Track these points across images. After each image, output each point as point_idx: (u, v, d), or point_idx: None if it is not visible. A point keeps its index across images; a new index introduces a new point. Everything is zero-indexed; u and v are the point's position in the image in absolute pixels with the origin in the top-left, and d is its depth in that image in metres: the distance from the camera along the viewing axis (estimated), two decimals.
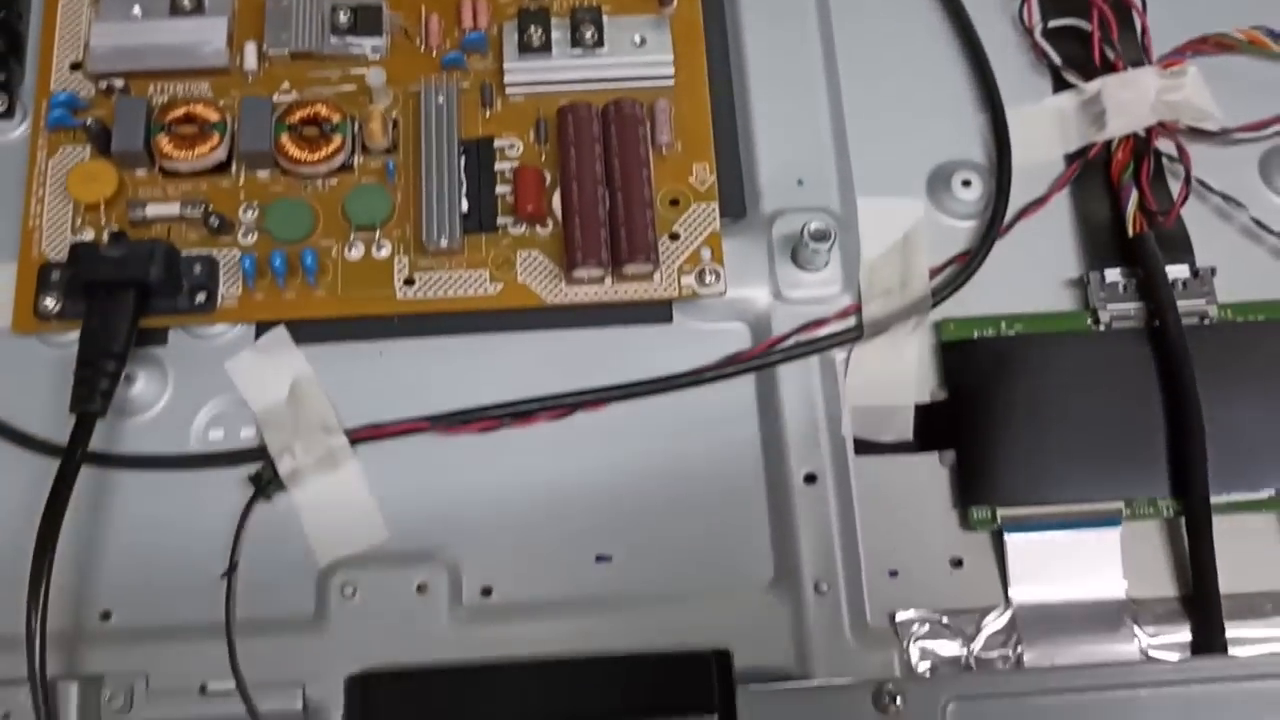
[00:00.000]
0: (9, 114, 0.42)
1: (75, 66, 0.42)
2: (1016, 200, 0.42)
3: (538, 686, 0.34)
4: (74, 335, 0.39)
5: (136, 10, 0.42)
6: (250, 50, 0.42)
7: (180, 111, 0.40)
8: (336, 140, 0.40)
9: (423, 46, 0.42)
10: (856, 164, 0.42)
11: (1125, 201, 0.41)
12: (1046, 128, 0.43)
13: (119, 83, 0.41)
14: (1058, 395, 0.39)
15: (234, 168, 0.41)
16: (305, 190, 0.40)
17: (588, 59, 0.42)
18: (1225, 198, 0.41)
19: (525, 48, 0.42)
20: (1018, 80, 0.44)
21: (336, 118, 0.40)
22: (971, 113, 0.43)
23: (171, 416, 0.39)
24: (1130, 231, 0.41)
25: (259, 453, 0.38)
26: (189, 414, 0.39)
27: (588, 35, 0.42)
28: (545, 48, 0.42)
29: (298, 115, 0.40)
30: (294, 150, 0.40)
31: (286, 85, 0.42)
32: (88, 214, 0.40)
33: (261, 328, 0.39)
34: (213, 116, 0.40)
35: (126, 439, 0.38)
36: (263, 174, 0.41)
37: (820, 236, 0.39)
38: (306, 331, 0.39)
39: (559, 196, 0.40)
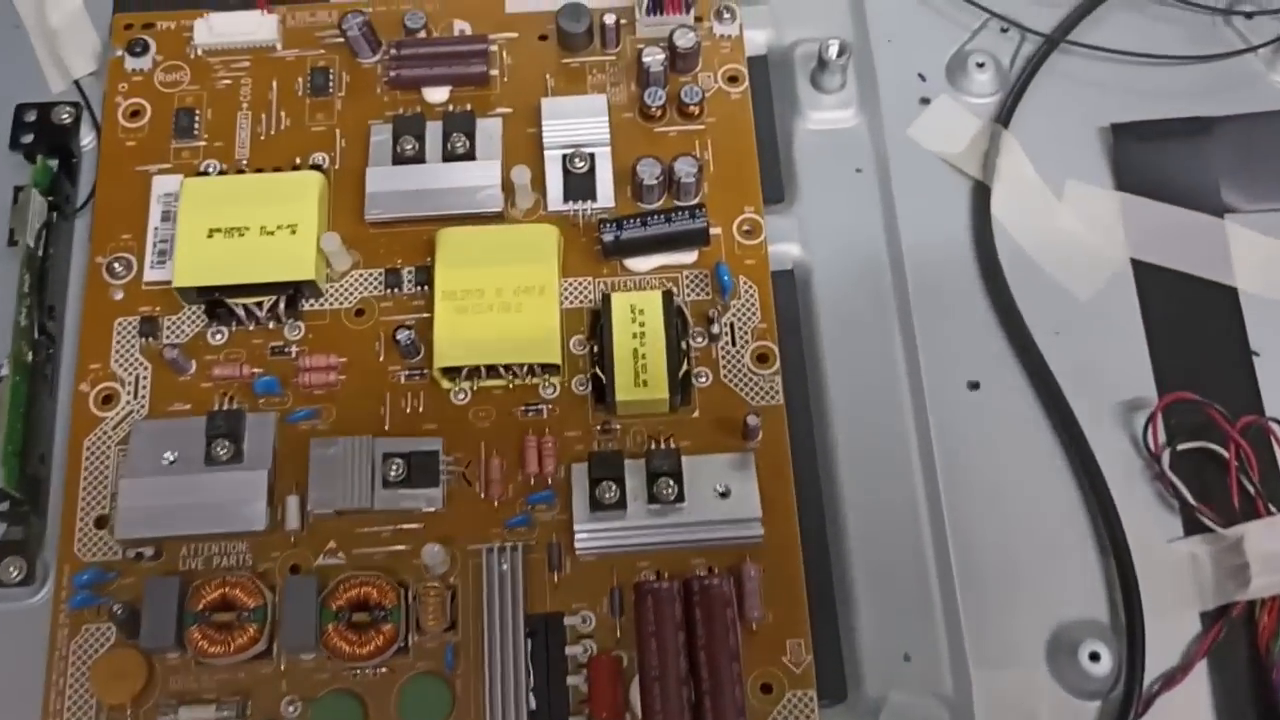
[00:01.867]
0: (27, 581, 0.33)
1: (101, 523, 0.33)
2: (1150, 668, 0.33)
3: None
4: None
5: (169, 456, 0.33)
6: (293, 507, 0.33)
7: (215, 595, 0.32)
8: (388, 629, 0.32)
9: (483, 493, 0.34)
10: (968, 631, 0.33)
11: (1277, 684, 0.32)
12: (1180, 580, 0.34)
13: (148, 551, 0.33)
14: None
15: (274, 652, 0.32)
16: (354, 678, 0.32)
17: (666, 515, 0.33)
18: None
19: (596, 505, 0.33)
20: (1142, 512, 0.34)
21: (389, 602, 0.32)
22: (1093, 557, 0.34)
23: None
24: None
25: None
26: None
27: (665, 491, 0.33)
28: (619, 505, 0.33)
29: (344, 598, 0.32)
30: (341, 644, 0.31)
31: (333, 544, 0.33)
32: (113, 712, 0.32)
33: None
34: (250, 602, 0.32)
35: None
36: (307, 659, 0.32)
37: None
38: None
39: (637, 688, 0.31)
